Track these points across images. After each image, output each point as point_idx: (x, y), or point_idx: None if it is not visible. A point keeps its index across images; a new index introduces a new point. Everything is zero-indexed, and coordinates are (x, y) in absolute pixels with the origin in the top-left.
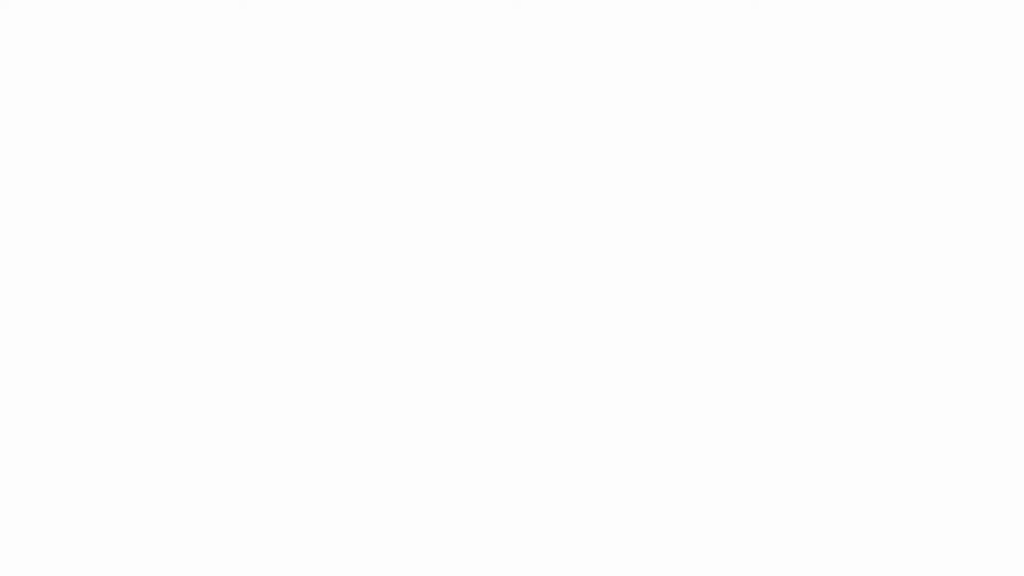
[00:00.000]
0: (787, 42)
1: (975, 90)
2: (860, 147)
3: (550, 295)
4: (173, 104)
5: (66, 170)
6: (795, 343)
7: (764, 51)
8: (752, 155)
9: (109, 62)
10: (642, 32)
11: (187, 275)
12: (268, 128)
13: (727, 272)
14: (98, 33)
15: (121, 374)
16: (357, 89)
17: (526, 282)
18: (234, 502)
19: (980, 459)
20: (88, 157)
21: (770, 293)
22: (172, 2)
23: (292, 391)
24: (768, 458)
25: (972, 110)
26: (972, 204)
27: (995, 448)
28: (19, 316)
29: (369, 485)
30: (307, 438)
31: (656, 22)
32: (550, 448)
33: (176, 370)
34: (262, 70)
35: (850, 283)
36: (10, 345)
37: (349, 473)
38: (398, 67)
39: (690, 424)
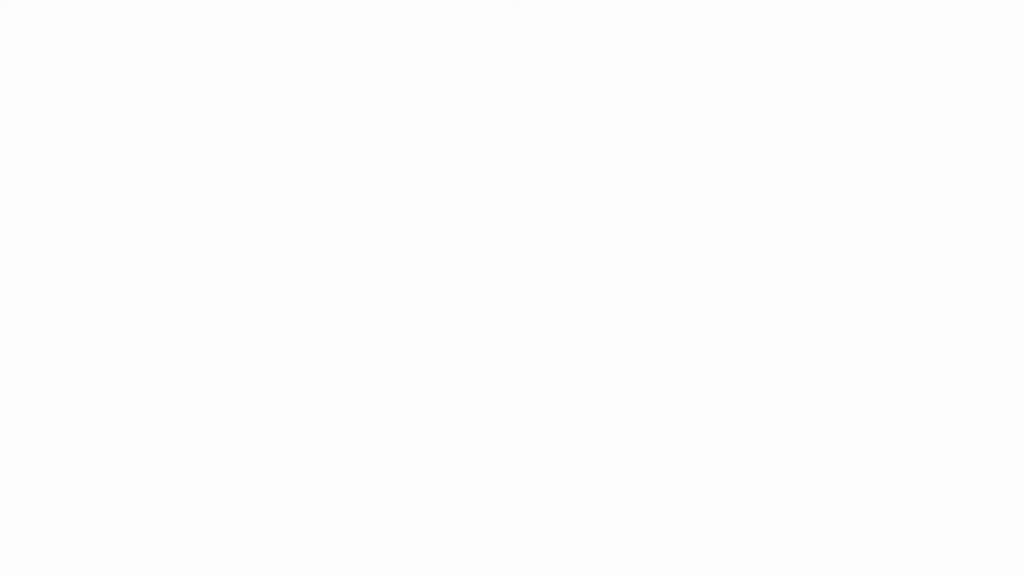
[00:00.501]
0: (787, 42)
1: (975, 90)
2: (860, 147)
3: (550, 295)
4: (173, 104)
5: (66, 170)
6: (795, 343)
7: (764, 51)
8: (752, 155)
9: (109, 62)
10: (642, 32)
11: (187, 275)
12: (268, 128)
13: (727, 272)
14: (98, 33)
15: (121, 374)
16: (357, 89)
17: (527, 282)
18: (234, 502)
19: (980, 459)
20: (88, 157)
21: (770, 293)
22: (172, 2)
23: (292, 391)
24: (768, 458)
25: (972, 110)
26: (972, 204)
27: (995, 448)
28: (19, 316)
29: (369, 485)
30: (307, 438)
31: (656, 22)
32: (549, 448)
33: (176, 370)
34: (262, 70)
35: (850, 283)
36: (10, 345)
37: (349, 473)
38: (398, 67)
39: (690, 424)
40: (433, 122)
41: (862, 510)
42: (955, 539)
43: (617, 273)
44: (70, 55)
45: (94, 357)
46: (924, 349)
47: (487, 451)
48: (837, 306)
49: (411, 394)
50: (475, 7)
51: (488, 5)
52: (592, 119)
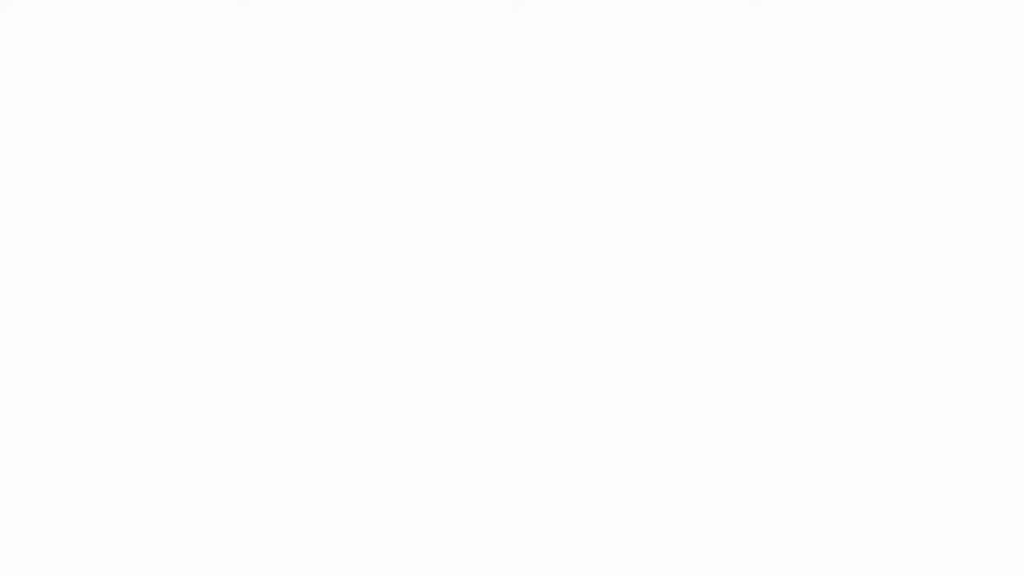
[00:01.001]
0: (787, 42)
1: (975, 90)
2: (860, 147)
3: (550, 295)
4: (173, 104)
5: (66, 170)
6: (795, 343)
7: (764, 51)
8: (752, 155)
9: (109, 62)
10: (642, 32)
11: (187, 275)
12: (268, 128)
13: (727, 272)
14: (98, 33)
15: (121, 374)
16: (357, 89)
17: (527, 282)
18: (234, 502)
19: (980, 459)
20: (88, 157)
21: (770, 293)
22: (172, 2)
23: (292, 391)
24: (768, 458)
25: (972, 110)
26: (972, 204)
27: (995, 448)
28: (19, 316)
29: (369, 485)
30: (307, 438)
31: (656, 22)
32: (549, 448)
33: (176, 370)
34: (262, 70)
35: (850, 283)
36: (10, 345)
37: (349, 473)
38: (398, 67)
39: (690, 424)
40: (433, 122)
41: (862, 510)
42: (955, 539)
43: (617, 273)
44: (70, 55)
45: (94, 357)
46: (924, 349)
47: (487, 451)
48: (837, 306)
49: (411, 394)
50: (475, 7)
51: (488, 5)
52: (592, 119)
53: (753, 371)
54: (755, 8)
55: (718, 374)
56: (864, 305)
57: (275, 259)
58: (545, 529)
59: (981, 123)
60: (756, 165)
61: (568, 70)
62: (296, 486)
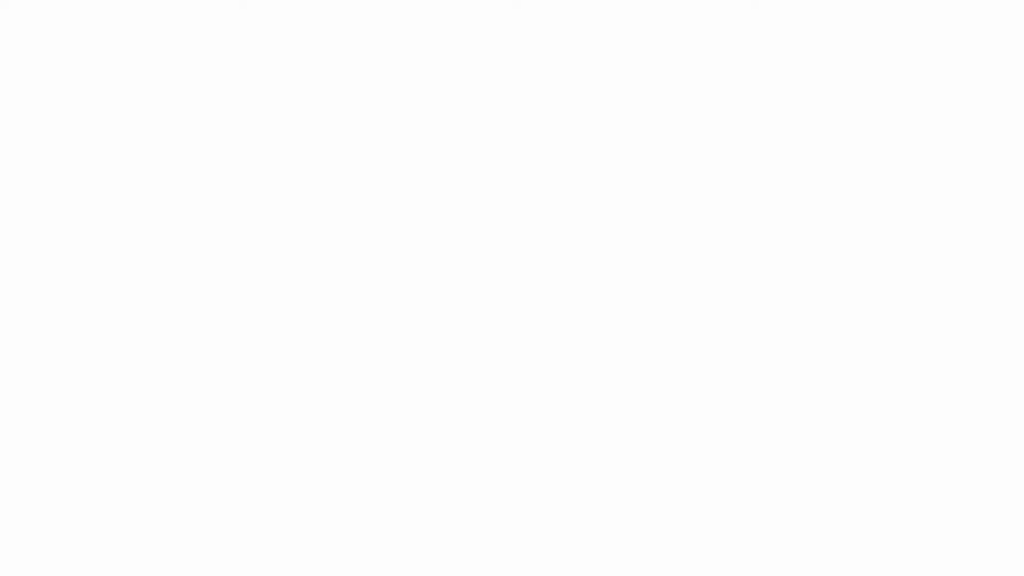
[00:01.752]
0: (787, 42)
1: (975, 90)
2: (860, 147)
3: (550, 295)
4: (173, 104)
5: (66, 170)
6: (795, 343)
7: (764, 51)
8: (752, 155)
9: (109, 62)
10: (642, 32)
11: (187, 275)
12: (268, 128)
13: (727, 272)
14: (98, 33)
15: (121, 374)
16: (357, 89)
17: (527, 282)
18: (234, 502)
19: (980, 459)
20: (88, 157)
21: (770, 293)
22: (172, 2)
23: (292, 391)
24: (768, 458)
25: (972, 110)
26: (972, 204)
27: (995, 448)
28: (19, 316)
29: (369, 485)
30: (307, 438)
31: (656, 22)
32: (549, 448)
33: (176, 370)
34: (262, 70)
35: (850, 283)
36: (10, 345)
37: (349, 473)
38: (398, 67)
39: (690, 424)
40: (433, 122)
41: (862, 510)
42: (955, 539)
43: (617, 273)
44: (70, 55)
45: (94, 357)
46: (924, 349)
47: (487, 451)
48: (837, 306)
49: (411, 394)
50: (475, 7)
51: (488, 5)
52: (592, 119)
53: (753, 371)
54: (755, 8)
55: (718, 374)
56: (864, 304)
57: (275, 258)
58: (545, 529)
59: (981, 123)
60: (756, 164)
61: (568, 70)
62: (296, 486)
